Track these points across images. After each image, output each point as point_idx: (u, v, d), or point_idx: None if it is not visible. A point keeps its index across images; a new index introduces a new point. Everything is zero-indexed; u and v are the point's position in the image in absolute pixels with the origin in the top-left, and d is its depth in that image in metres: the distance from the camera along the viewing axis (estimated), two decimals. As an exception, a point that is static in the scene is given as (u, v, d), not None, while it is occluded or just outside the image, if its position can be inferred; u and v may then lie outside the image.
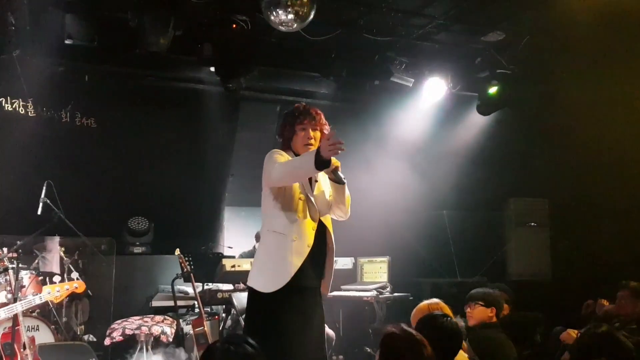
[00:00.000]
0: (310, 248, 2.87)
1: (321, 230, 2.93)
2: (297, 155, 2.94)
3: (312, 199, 2.93)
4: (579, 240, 6.28)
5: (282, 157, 2.88)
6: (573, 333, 3.69)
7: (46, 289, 3.70)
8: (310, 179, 2.97)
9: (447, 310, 2.92)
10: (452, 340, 2.47)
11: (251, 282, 2.92)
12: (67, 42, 4.75)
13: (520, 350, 3.69)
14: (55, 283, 3.75)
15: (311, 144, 2.92)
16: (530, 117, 6.30)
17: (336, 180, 2.87)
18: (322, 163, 2.61)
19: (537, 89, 6.11)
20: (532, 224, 6.41)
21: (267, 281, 2.82)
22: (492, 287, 4.19)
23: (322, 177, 3.04)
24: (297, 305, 2.83)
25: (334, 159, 2.77)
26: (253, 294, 2.91)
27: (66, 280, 4.47)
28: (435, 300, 3.04)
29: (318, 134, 2.95)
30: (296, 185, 2.89)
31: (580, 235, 6.24)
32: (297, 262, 2.83)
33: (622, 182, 5.61)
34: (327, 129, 2.97)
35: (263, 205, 2.97)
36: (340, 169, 2.84)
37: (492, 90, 6.02)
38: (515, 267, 6.30)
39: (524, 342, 4.15)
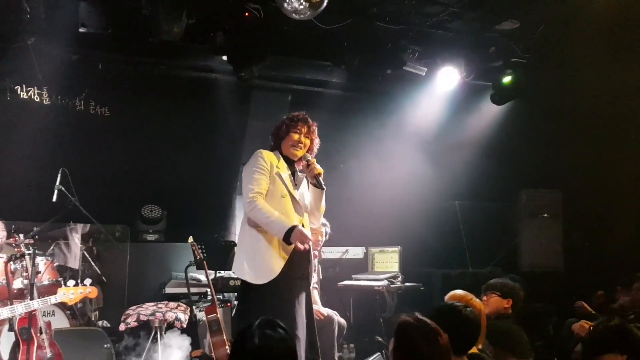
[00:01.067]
0: None
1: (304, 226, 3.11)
2: (283, 156, 3.18)
3: (296, 196, 3.11)
4: (592, 232, 6.24)
5: (261, 176, 3.04)
6: (586, 325, 3.69)
7: (61, 290, 3.79)
8: (294, 177, 3.19)
9: (479, 306, 2.90)
10: (469, 330, 2.46)
11: (240, 274, 3.08)
12: (81, 30, 4.76)
13: (533, 341, 3.69)
14: (68, 287, 3.85)
15: (300, 147, 3.17)
16: (545, 107, 6.22)
17: (317, 184, 3.09)
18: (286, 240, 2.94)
19: (552, 79, 6.02)
20: (545, 215, 6.37)
21: (257, 274, 3.00)
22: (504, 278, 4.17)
23: (304, 182, 3.24)
24: (288, 294, 3.01)
25: (317, 167, 3.08)
26: (245, 283, 3.08)
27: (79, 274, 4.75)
28: (470, 294, 2.97)
29: (308, 142, 3.20)
30: (280, 183, 3.08)
31: (593, 227, 6.19)
32: (284, 255, 3.01)
33: (636, 174, 5.54)
34: (317, 142, 3.24)
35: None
36: (322, 175, 3.09)
37: (507, 79, 5.94)
38: (527, 258, 6.27)
39: (537, 333, 4.14)
